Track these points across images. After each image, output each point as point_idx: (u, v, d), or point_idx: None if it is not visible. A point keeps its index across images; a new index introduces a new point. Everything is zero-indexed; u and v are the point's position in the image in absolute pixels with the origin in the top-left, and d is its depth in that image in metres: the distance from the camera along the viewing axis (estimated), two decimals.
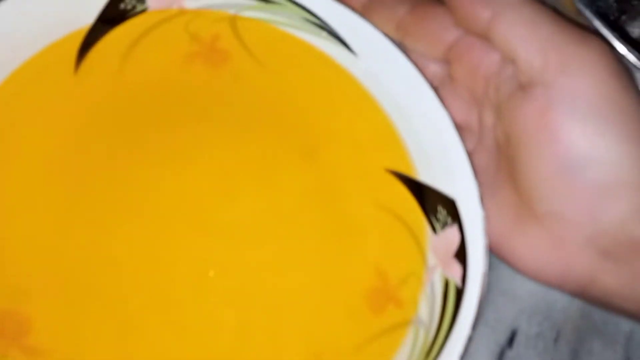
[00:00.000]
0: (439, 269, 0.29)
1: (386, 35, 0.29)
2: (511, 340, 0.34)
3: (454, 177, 0.28)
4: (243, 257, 0.29)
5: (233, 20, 0.31)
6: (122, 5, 0.30)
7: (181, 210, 0.29)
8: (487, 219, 0.27)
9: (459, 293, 0.27)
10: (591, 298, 0.26)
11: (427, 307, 0.28)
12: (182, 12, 0.31)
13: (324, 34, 0.30)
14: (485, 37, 0.26)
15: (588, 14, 0.27)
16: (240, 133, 0.31)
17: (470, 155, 0.28)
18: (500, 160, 0.28)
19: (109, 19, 0.30)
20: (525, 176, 0.26)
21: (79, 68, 0.30)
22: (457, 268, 0.28)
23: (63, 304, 0.28)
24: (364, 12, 0.29)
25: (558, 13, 0.26)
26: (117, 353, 0.28)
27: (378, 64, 0.30)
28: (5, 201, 0.29)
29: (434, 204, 0.29)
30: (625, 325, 0.34)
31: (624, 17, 0.31)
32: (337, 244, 0.30)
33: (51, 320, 0.28)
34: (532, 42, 0.25)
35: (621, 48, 0.27)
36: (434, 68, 0.29)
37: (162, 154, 0.30)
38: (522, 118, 0.25)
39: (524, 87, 0.25)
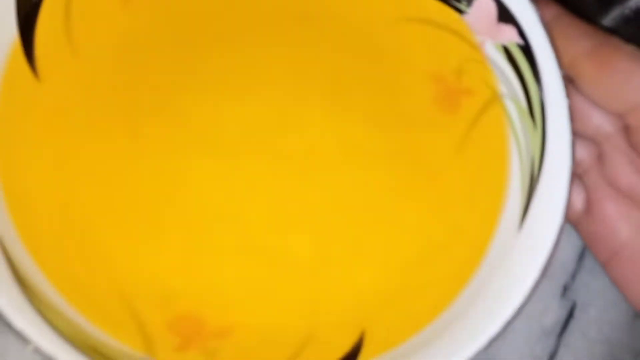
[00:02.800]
0: (489, 41, 0.28)
1: None
2: None
3: None
4: (313, 183, 0.28)
5: None
6: None
7: (248, 140, 0.27)
8: None
9: (526, 50, 0.27)
10: None
11: (502, 80, 0.28)
12: None
13: None
14: None
15: None
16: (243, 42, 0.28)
17: None
18: None
19: (27, 5, 0.26)
20: None
21: (37, 72, 0.26)
22: (508, 29, 0.27)
23: (138, 231, 0.26)
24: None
25: None
26: (195, 279, 0.27)
27: None
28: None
29: None
30: None
31: None
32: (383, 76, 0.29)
33: (129, 244, 0.26)
34: None
35: None
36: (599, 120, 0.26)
37: (216, 86, 0.27)
38: None
39: None
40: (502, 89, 0.28)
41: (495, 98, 0.28)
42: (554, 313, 0.32)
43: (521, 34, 0.27)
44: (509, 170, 0.27)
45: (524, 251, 0.25)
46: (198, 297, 0.25)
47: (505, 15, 0.27)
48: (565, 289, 0.32)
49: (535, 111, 0.27)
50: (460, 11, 0.29)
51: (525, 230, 0.26)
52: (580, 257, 0.32)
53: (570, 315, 0.32)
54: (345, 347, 0.25)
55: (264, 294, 0.26)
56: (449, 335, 0.24)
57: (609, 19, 0.30)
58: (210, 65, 0.28)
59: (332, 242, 0.27)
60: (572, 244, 0.32)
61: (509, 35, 0.27)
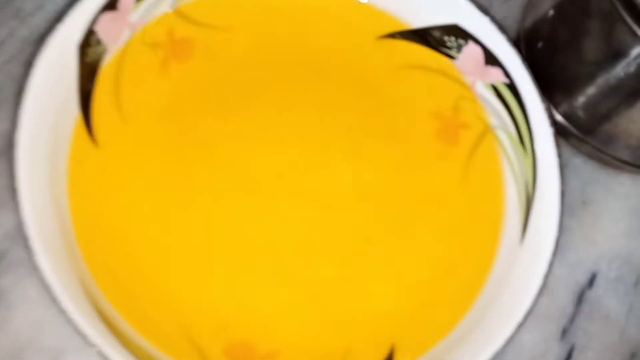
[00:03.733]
0: (479, 81, 0.32)
1: None
2: (591, 282, 0.34)
3: (445, 7, 0.32)
4: (335, 217, 0.31)
5: (177, 10, 0.32)
6: (89, 59, 0.30)
7: (278, 181, 0.31)
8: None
9: (512, 87, 0.31)
10: None
11: (493, 114, 0.32)
12: (134, 34, 0.31)
13: None
14: None
15: None
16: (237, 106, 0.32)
17: None
18: None
19: (86, 83, 0.30)
20: None
21: (95, 139, 0.30)
22: (494, 71, 0.32)
23: (191, 269, 0.29)
24: None
25: None
26: (243, 309, 0.29)
27: None
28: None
29: (440, 37, 0.32)
30: None
31: None
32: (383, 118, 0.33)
33: (185, 281, 0.29)
34: None
35: None
36: None
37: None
38: None
39: None
40: (494, 121, 0.32)
41: (488, 129, 0.32)
42: (553, 355, 0.33)
43: (506, 74, 0.31)
44: (506, 192, 0.31)
45: (527, 261, 0.29)
46: (247, 326, 0.28)
47: (491, 59, 0.32)
48: (564, 332, 0.33)
49: (525, 139, 0.31)
50: (451, 57, 0.33)
51: (527, 243, 0.29)
52: (579, 302, 0.34)
53: (569, 357, 0.33)
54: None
55: (304, 319, 0.29)
56: (470, 339, 0.28)
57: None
58: (242, 119, 0.31)
59: (359, 269, 0.30)
60: (571, 289, 0.34)
61: (496, 75, 0.32)
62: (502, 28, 0.31)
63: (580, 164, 0.37)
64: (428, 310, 0.30)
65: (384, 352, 0.29)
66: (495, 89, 0.32)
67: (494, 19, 0.31)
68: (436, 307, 0.30)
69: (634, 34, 0.29)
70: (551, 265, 0.28)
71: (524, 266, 0.29)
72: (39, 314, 0.29)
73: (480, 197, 0.32)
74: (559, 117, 0.37)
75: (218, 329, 0.28)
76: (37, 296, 0.29)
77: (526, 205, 0.30)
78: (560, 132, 0.37)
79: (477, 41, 0.32)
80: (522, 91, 0.31)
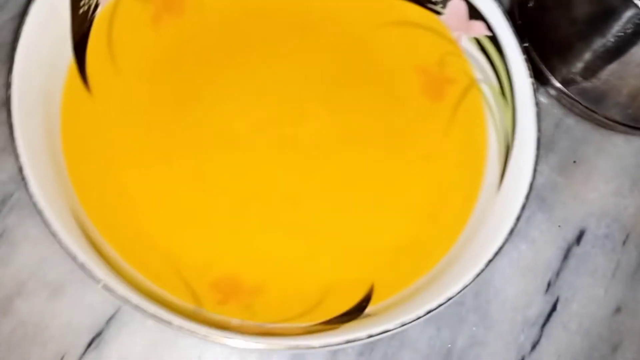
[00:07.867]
0: (463, 36, 0.33)
1: None
2: (579, 238, 0.35)
3: None
4: (321, 164, 0.32)
5: None
6: (81, 11, 0.31)
7: (261, 133, 0.32)
8: None
9: (494, 40, 0.32)
10: None
11: (477, 68, 0.33)
12: None
13: None
14: None
15: None
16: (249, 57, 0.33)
17: None
18: None
19: (79, 33, 0.31)
20: None
21: (89, 87, 0.31)
22: (478, 24, 0.32)
23: (181, 212, 0.31)
24: None
25: None
26: (231, 248, 0.30)
27: None
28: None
29: None
30: None
31: None
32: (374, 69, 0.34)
33: (175, 222, 0.30)
34: None
35: None
36: None
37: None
38: None
39: None
40: (478, 75, 0.33)
41: (472, 83, 0.33)
42: (537, 306, 0.34)
43: (489, 27, 0.32)
44: (488, 143, 0.32)
45: (502, 207, 0.30)
46: (234, 263, 0.30)
47: (474, 13, 0.32)
48: (550, 285, 0.34)
49: (506, 90, 0.32)
50: (437, 13, 0.34)
51: (503, 190, 0.30)
52: (565, 257, 0.35)
53: (553, 309, 0.34)
54: (357, 297, 0.30)
55: (288, 259, 0.30)
56: (443, 277, 0.29)
57: None
58: (227, 73, 0.33)
59: (343, 212, 0.31)
60: (558, 245, 0.35)
61: (479, 29, 0.32)
62: None
63: (573, 124, 0.38)
64: (408, 251, 0.31)
65: (364, 290, 0.30)
66: (478, 43, 0.33)
67: None
68: (416, 249, 0.31)
69: None
70: (523, 210, 0.29)
71: (499, 211, 0.29)
72: (41, 251, 0.31)
73: (464, 147, 0.32)
74: (551, 77, 0.38)
75: (206, 264, 0.30)
76: (39, 234, 0.31)
77: (505, 154, 0.31)
78: (553, 91, 0.38)
79: None
80: (503, 43, 0.32)
